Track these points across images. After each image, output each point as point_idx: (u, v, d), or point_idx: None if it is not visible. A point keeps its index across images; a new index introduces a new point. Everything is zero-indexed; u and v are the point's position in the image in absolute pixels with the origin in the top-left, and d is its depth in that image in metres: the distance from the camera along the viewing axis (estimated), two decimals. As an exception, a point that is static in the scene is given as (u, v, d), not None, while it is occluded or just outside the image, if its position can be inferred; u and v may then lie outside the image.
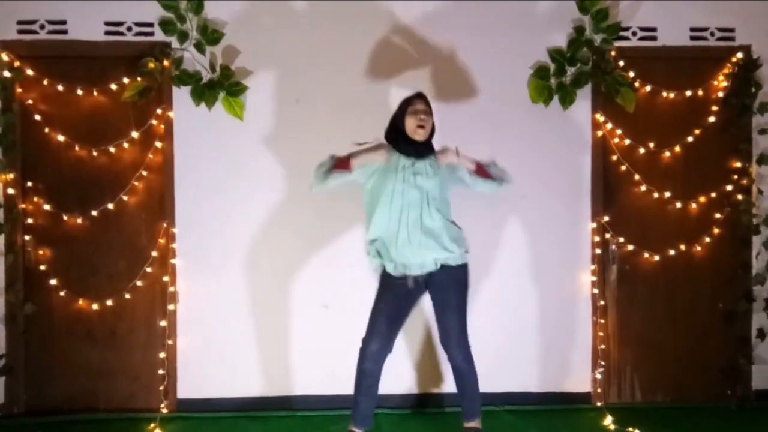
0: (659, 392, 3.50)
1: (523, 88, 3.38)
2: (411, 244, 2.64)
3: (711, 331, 3.49)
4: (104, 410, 3.34)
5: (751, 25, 3.44)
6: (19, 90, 3.28)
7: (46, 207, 3.31)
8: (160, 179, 3.34)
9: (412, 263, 2.67)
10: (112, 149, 3.32)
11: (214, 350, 3.34)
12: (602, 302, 3.44)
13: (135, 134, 3.32)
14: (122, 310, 3.35)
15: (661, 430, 3.05)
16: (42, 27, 3.28)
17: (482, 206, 3.30)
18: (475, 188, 2.82)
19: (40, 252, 3.32)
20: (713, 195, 3.46)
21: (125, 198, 3.33)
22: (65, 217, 3.32)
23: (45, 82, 3.28)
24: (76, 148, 3.32)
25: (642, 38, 3.43)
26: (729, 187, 3.46)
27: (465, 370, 2.77)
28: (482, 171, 2.78)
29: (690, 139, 3.45)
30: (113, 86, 3.29)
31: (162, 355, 3.32)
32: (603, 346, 3.43)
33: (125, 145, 3.33)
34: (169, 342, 3.31)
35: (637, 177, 3.44)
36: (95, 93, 3.31)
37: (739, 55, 3.43)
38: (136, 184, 3.33)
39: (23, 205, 3.29)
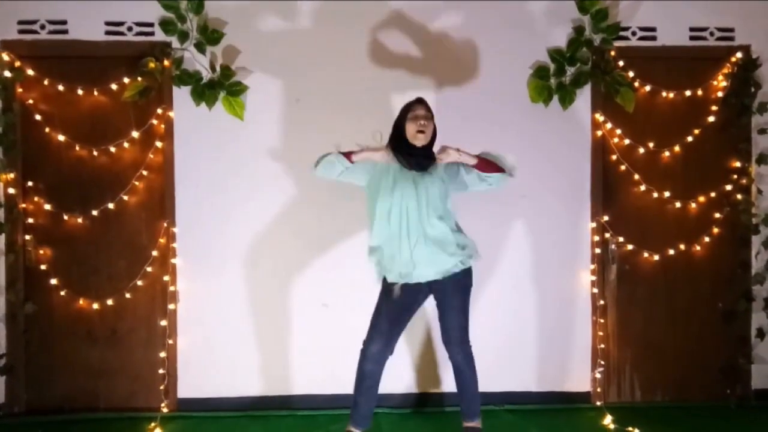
0: (659, 391, 3.50)
1: (522, 88, 3.38)
2: (413, 256, 2.64)
3: (710, 330, 3.50)
4: (105, 409, 3.34)
5: (751, 25, 3.44)
6: (20, 90, 3.29)
7: (47, 206, 3.31)
8: (160, 179, 3.35)
9: (413, 274, 2.66)
10: (112, 149, 3.33)
11: (214, 350, 3.34)
12: (602, 302, 3.44)
13: (135, 134, 3.32)
14: (123, 310, 3.36)
15: (661, 430, 3.05)
16: (42, 27, 3.28)
17: (482, 206, 3.31)
18: (477, 188, 2.80)
19: (41, 251, 3.32)
20: (713, 195, 3.47)
21: (126, 198, 3.34)
22: (66, 217, 3.32)
23: (45, 82, 3.29)
24: (77, 148, 3.32)
25: (641, 38, 3.43)
26: (728, 187, 3.47)
27: (465, 370, 2.78)
28: (484, 165, 2.71)
29: (689, 138, 3.46)
30: (114, 86, 3.30)
31: (162, 354, 3.32)
32: (603, 346, 3.43)
33: (126, 144, 3.33)
34: (170, 341, 3.32)
35: (636, 177, 3.44)
36: (96, 93, 3.32)
37: (739, 54, 3.43)
38: (137, 183, 3.34)
39: (24, 205, 3.30)
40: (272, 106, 3.35)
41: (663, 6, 3.42)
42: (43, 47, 3.28)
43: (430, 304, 2.85)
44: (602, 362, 3.42)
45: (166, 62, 3.26)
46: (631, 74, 3.40)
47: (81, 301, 3.33)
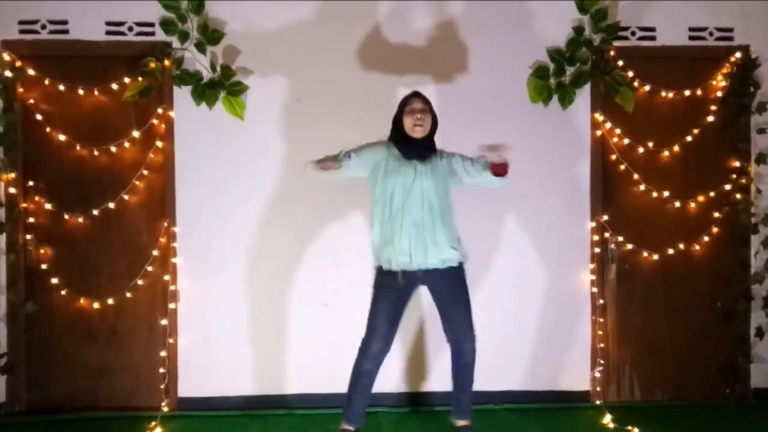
0: (658, 390, 3.51)
1: (522, 88, 3.39)
2: (411, 243, 2.66)
3: (710, 329, 3.51)
4: (105, 408, 3.35)
5: (750, 25, 3.45)
6: (21, 90, 3.29)
7: (48, 206, 3.32)
8: (160, 178, 3.35)
9: (411, 261, 2.68)
10: (113, 148, 3.33)
11: (214, 349, 3.35)
12: (601, 301, 3.45)
13: (136, 134, 3.33)
14: (123, 309, 3.36)
15: (660, 429, 3.06)
16: (43, 27, 3.29)
17: (482, 205, 3.32)
18: (471, 182, 2.83)
19: (42, 251, 3.33)
20: (712, 194, 3.47)
21: (126, 197, 3.34)
22: (66, 216, 3.33)
23: (46, 82, 3.30)
24: (78, 148, 3.33)
25: (641, 38, 3.44)
26: (728, 187, 3.47)
27: (470, 364, 2.78)
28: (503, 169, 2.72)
29: (689, 138, 3.47)
30: (114, 86, 3.31)
31: (163, 353, 3.33)
32: (602, 345, 3.44)
33: (126, 144, 3.34)
34: (170, 340, 3.32)
35: (636, 176, 3.45)
36: (96, 93, 3.32)
37: (738, 54, 3.44)
38: (137, 183, 3.35)
39: (25, 205, 3.31)
40: (272, 106, 3.36)
41: (662, 6, 3.43)
42: (44, 47, 3.29)
43: (425, 301, 2.85)
44: (602, 361, 3.43)
45: (166, 62, 3.26)
46: (630, 74, 3.41)
47: (82, 301, 3.34)
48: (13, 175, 3.28)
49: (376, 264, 2.79)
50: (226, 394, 3.35)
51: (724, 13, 3.45)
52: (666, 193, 3.46)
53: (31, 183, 3.32)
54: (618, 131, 3.44)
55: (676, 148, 3.47)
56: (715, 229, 3.48)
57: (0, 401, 3.31)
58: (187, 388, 3.35)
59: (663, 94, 3.46)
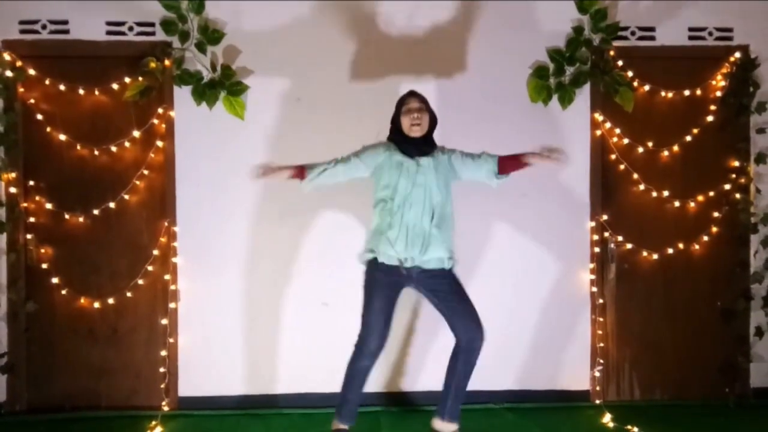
0: (658, 390, 3.52)
1: (522, 88, 3.40)
2: (409, 241, 2.67)
3: (709, 329, 3.51)
4: (106, 408, 3.36)
5: (749, 25, 3.46)
6: (21, 89, 3.30)
7: (48, 206, 3.33)
8: (161, 178, 3.36)
9: (408, 258, 2.69)
10: (113, 148, 3.34)
11: (215, 348, 3.36)
12: (601, 300, 3.45)
13: (136, 133, 3.33)
14: (124, 309, 3.37)
15: (660, 428, 3.06)
16: (44, 27, 3.29)
17: (482, 205, 3.32)
18: (471, 178, 2.85)
19: (42, 250, 3.33)
20: (711, 194, 3.48)
21: (126, 197, 3.35)
22: (67, 216, 3.33)
23: (47, 82, 3.30)
24: (78, 148, 3.34)
25: (640, 38, 3.45)
26: (727, 186, 3.48)
27: (476, 357, 2.77)
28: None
29: (688, 138, 3.47)
30: (115, 86, 3.31)
31: (163, 352, 3.33)
32: (602, 344, 3.44)
33: (126, 144, 3.34)
34: (171, 340, 3.33)
35: (635, 176, 3.46)
36: (97, 92, 3.33)
37: (737, 54, 3.45)
38: (138, 183, 3.35)
39: (25, 204, 3.31)
40: (273, 106, 3.37)
41: (662, 6, 3.43)
42: (45, 47, 3.30)
43: (418, 304, 2.86)
44: (601, 361, 3.44)
45: (166, 62, 3.27)
46: (630, 74, 3.42)
47: (82, 300, 3.34)
48: (13, 174, 3.28)
49: (370, 257, 2.77)
50: (226, 394, 3.36)
51: (724, 13, 3.45)
52: (665, 193, 3.47)
53: (31, 183, 3.33)
54: (618, 131, 3.45)
55: (675, 147, 3.47)
56: (714, 229, 3.49)
57: (1, 400, 3.31)
58: (187, 388, 3.35)
59: (662, 93, 3.47)
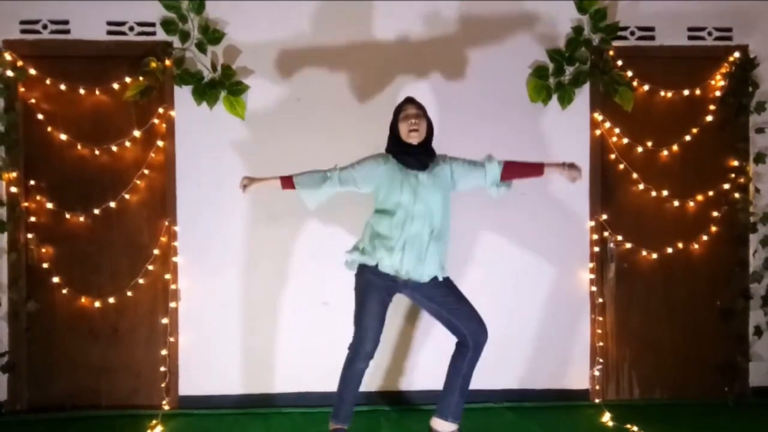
0: (657, 389, 3.52)
1: (522, 88, 3.40)
2: (405, 257, 2.67)
3: (708, 328, 3.52)
4: (106, 407, 3.36)
5: (748, 25, 3.46)
6: (22, 89, 3.30)
7: (49, 205, 3.33)
8: (161, 178, 3.36)
9: (402, 272, 2.69)
10: (114, 148, 3.34)
11: (215, 347, 3.36)
12: (600, 300, 3.46)
13: (137, 133, 3.34)
14: (124, 308, 3.37)
15: (659, 427, 3.07)
16: (45, 27, 3.30)
17: (482, 204, 3.33)
18: (467, 187, 2.84)
19: (43, 250, 3.34)
20: (711, 193, 3.49)
21: (127, 196, 3.36)
22: (67, 216, 3.34)
23: (47, 82, 3.31)
24: (79, 147, 3.34)
25: (640, 38, 3.45)
26: (726, 186, 3.48)
27: (479, 356, 2.77)
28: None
29: (688, 137, 3.48)
30: (115, 85, 3.32)
31: (164, 352, 3.34)
32: (601, 344, 3.45)
33: (127, 143, 3.35)
34: (171, 339, 3.33)
35: (635, 175, 3.46)
36: (97, 92, 3.34)
37: (737, 54, 3.45)
38: (138, 182, 3.36)
39: (26, 204, 3.32)
40: (273, 106, 3.37)
41: (661, 6, 3.44)
42: (45, 47, 3.30)
43: (408, 302, 2.86)
44: (601, 360, 3.44)
45: (167, 62, 3.27)
46: (629, 74, 3.42)
47: (83, 299, 3.35)
48: (14, 174, 3.29)
49: (363, 261, 2.75)
50: (226, 393, 3.36)
51: (723, 13, 3.46)
52: (665, 193, 3.47)
53: (32, 182, 3.33)
54: (617, 131, 3.46)
55: (675, 147, 3.48)
56: (713, 228, 3.49)
57: (1, 400, 3.32)
58: (187, 387, 3.36)
59: (662, 93, 3.47)
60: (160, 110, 3.33)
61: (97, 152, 3.34)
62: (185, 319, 3.35)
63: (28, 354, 3.34)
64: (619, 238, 3.46)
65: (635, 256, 3.49)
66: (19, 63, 3.28)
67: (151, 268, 3.35)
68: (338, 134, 3.32)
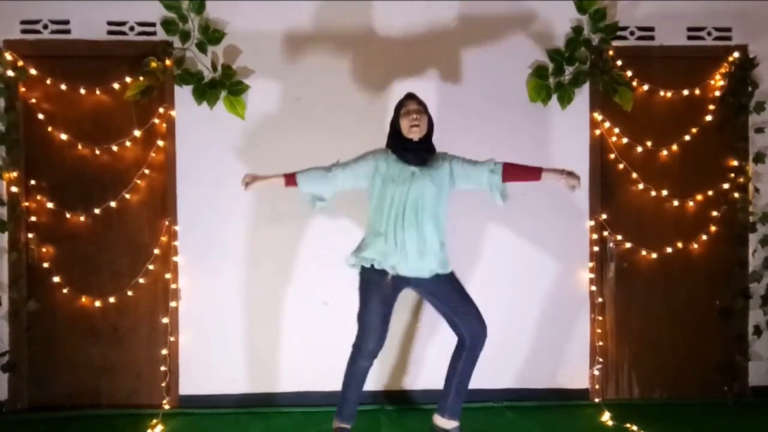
0: (657, 388, 3.53)
1: (521, 87, 3.41)
2: (404, 252, 2.67)
3: (708, 327, 3.52)
4: (107, 406, 3.37)
5: (748, 25, 3.47)
6: (23, 89, 3.31)
7: (49, 205, 3.34)
8: (162, 177, 3.37)
9: (403, 268, 2.69)
10: (114, 148, 3.35)
11: (215, 347, 3.37)
12: (600, 299, 3.47)
13: (137, 133, 3.35)
14: (125, 307, 3.38)
15: (659, 426, 3.07)
16: (45, 27, 3.31)
17: (481, 204, 3.32)
18: (467, 187, 2.83)
19: (43, 249, 3.35)
20: (710, 193, 3.49)
21: (128, 196, 3.36)
22: (68, 215, 3.34)
23: (48, 81, 3.31)
24: (79, 147, 3.35)
25: (640, 38, 3.46)
26: (726, 185, 3.49)
27: (478, 354, 2.78)
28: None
29: (687, 137, 3.48)
30: (116, 85, 3.32)
31: (164, 351, 3.34)
32: (601, 343, 3.45)
33: (128, 143, 3.36)
34: (171, 339, 3.34)
35: (634, 175, 3.47)
36: (98, 92, 3.34)
37: (736, 54, 3.46)
38: (139, 182, 3.36)
39: (26, 203, 3.32)
40: (273, 105, 3.38)
41: (661, 6, 3.44)
42: (46, 47, 3.31)
43: (418, 303, 2.87)
44: (600, 359, 3.45)
45: (167, 62, 3.28)
46: (629, 73, 3.43)
47: (83, 299, 3.35)
48: (15, 174, 3.29)
49: (363, 263, 2.75)
50: (226, 392, 3.37)
51: (722, 13, 3.47)
52: (664, 192, 3.48)
53: (32, 182, 3.34)
54: (617, 130, 3.46)
55: (674, 147, 3.49)
56: (713, 228, 3.50)
57: (2, 399, 3.32)
58: (188, 386, 3.37)
59: (661, 93, 3.48)
60: (161, 110, 3.34)
61: (97, 152, 3.35)
62: (185, 318, 3.36)
63: (28, 353, 3.35)
64: (619, 237, 3.47)
65: (635, 256, 3.50)
66: (20, 63, 3.28)
67: (151, 267, 3.36)
68: (338, 134, 3.32)
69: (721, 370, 3.50)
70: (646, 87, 3.46)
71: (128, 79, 3.30)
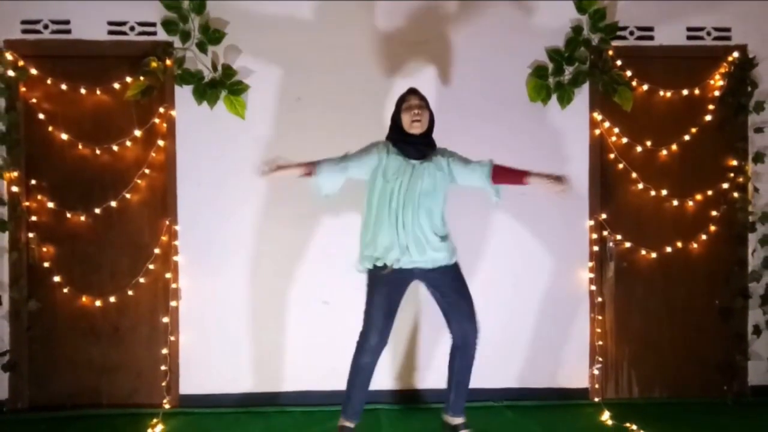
0: (656, 388, 3.53)
1: (521, 87, 3.41)
2: (401, 243, 2.68)
3: (707, 327, 3.53)
4: (107, 406, 3.37)
5: (747, 25, 3.47)
6: (23, 89, 3.31)
7: (50, 205, 3.34)
8: (162, 177, 3.37)
9: (406, 260, 2.70)
10: (115, 147, 3.35)
11: (215, 346, 3.37)
12: (600, 299, 3.47)
13: (138, 133, 3.35)
14: (125, 307, 3.38)
15: (658, 426, 3.07)
16: (46, 27, 3.31)
17: (481, 203, 3.32)
18: (467, 183, 2.83)
19: (44, 249, 3.35)
20: (710, 193, 3.50)
21: (128, 196, 3.36)
22: (69, 215, 3.35)
23: (48, 81, 3.32)
24: (80, 147, 3.35)
25: (639, 38, 3.46)
26: (725, 185, 3.50)
27: (473, 357, 2.79)
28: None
29: (687, 137, 3.49)
30: (116, 85, 3.33)
31: (164, 351, 3.35)
32: (600, 343, 3.46)
33: (128, 143, 3.36)
34: (172, 338, 3.34)
35: (634, 175, 3.47)
36: (98, 92, 3.35)
37: (735, 54, 3.46)
38: (139, 182, 3.37)
39: (27, 203, 3.33)
40: (273, 105, 3.38)
41: (660, 6, 3.45)
42: (47, 47, 3.31)
43: (422, 302, 2.87)
44: (600, 359, 3.45)
45: (168, 62, 3.28)
46: (628, 73, 3.43)
47: (84, 299, 3.36)
48: (15, 173, 3.30)
49: (368, 265, 2.76)
50: (227, 392, 3.37)
51: (722, 13, 3.47)
52: (664, 192, 3.48)
53: (33, 182, 3.34)
54: (616, 130, 3.46)
55: (674, 147, 3.49)
56: (712, 228, 3.50)
57: (3, 399, 3.33)
58: (188, 386, 3.37)
59: (661, 93, 3.48)
60: (161, 110, 3.34)
61: (98, 152, 3.35)
62: (186, 318, 3.36)
63: (29, 353, 3.35)
64: (619, 237, 3.47)
65: (634, 256, 3.50)
66: (21, 63, 3.28)
67: (151, 267, 3.36)
68: (338, 134, 3.32)
69: (721, 370, 3.50)
70: (645, 87, 3.47)
71: (128, 79, 3.31)
